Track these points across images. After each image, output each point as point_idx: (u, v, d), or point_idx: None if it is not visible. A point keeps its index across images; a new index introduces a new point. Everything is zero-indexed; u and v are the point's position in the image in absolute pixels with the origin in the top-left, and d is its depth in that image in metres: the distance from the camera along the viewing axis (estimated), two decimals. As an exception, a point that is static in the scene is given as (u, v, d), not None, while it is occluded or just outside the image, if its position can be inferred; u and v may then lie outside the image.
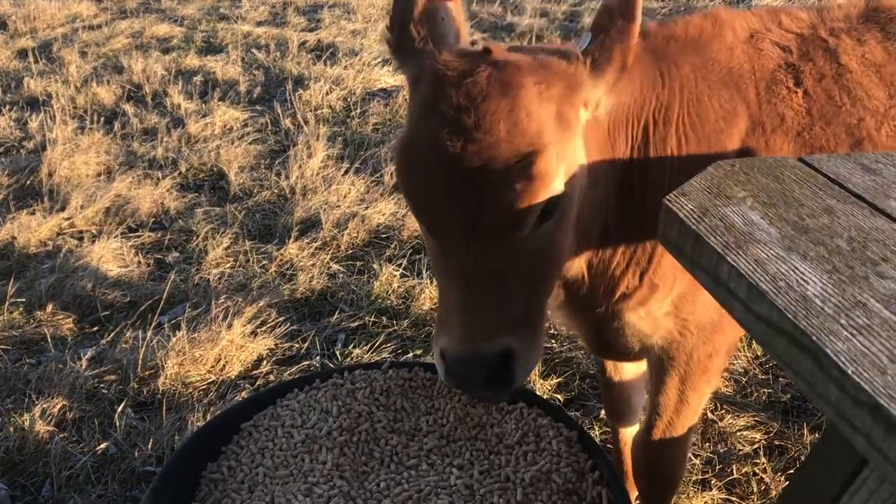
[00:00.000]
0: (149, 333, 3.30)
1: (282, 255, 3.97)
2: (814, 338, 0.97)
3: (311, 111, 5.60)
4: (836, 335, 0.96)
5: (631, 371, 2.41)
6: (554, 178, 1.39)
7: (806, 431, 2.85)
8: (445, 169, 1.37)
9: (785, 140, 1.81)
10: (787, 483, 2.62)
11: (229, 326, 3.29)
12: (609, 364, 2.39)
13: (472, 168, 1.35)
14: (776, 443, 2.83)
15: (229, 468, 1.43)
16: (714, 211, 1.28)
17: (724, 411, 2.97)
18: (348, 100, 5.90)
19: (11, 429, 2.89)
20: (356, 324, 3.49)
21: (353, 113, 5.68)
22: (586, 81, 1.48)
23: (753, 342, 3.29)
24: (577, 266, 1.79)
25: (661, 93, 1.76)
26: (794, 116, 1.83)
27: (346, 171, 4.75)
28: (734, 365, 3.20)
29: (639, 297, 1.83)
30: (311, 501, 1.33)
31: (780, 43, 1.87)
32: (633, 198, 1.77)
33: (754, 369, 3.18)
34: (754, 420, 2.92)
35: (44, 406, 2.98)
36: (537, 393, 1.61)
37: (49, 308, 3.64)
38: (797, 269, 1.11)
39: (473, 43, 1.57)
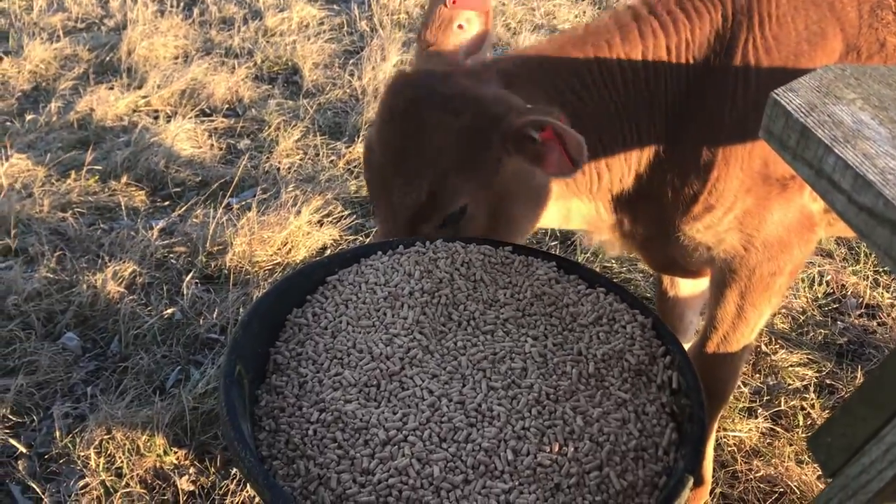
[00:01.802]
0: (219, 212, 3.39)
1: (350, 152, 4.01)
2: (921, 226, 0.97)
3: (387, 15, 5.56)
4: (945, 224, 0.96)
5: (688, 288, 2.42)
6: (449, 201, 1.63)
7: (859, 374, 2.84)
8: (377, 165, 1.70)
9: None
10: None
11: (297, 213, 3.36)
12: (665, 278, 2.41)
13: (388, 171, 1.66)
14: (827, 382, 2.83)
15: (314, 314, 1.49)
16: (822, 108, 1.27)
17: (777, 345, 2.97)
18: (426, 6, 5.84)
19: (84, 286, 3.01)
20: (419, 225, 3.53)
21: (429, 21, 5.62)
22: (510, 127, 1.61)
23: (814, 284, 3.27)
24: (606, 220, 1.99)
25: (721, 28, 1.77)
26: None
27: (419, 78, 4.74)
28: (792, 303, 3.18)
29: (693, 213, 1.86)
30: (392, 350, 1.39)
31: None
32: (685, 128, 1.80)
33: (813, 310, 3.17)
34: (807, 358, 2.92)
35: (115, 268, 3.09)
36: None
37: (123, 179, 3.75)
38: (906, 166, 1.11)
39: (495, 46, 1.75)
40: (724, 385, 2.11)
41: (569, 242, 3.46)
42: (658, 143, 1.84)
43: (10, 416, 2.49)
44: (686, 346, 2.37)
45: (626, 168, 1.86)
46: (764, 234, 1.85)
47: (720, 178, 1.79)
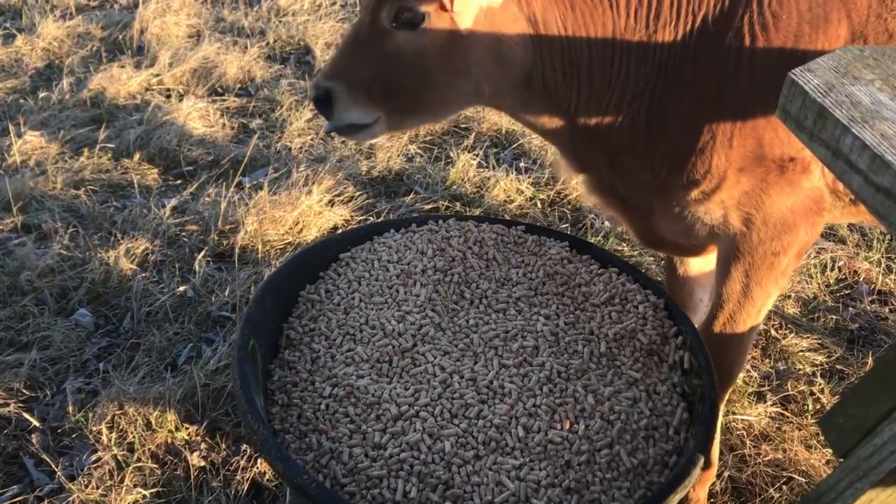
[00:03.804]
0: (230, 191, 3.40)
1: (362, 133, 4.00)
2: (939, 206, 0.97)
3: (400, -4, 5.54)
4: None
5: (696, 266, 2.41)
6: None
7: (870, 360, 2.83)
8: None
9: None
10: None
11: (308, 193, 3.36)
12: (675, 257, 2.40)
13: None
14: (837, 367, 2.83)
15: (326, 291, 1.50)
16: (840, 88, 1.26)
17: (787, 330, 2.96)
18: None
19: (97, 263, 3.02)
20: (430, 206, 3.53)
21: (442, 3, 5.60)
22: None
23: (826, 270, 3.25)
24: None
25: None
26: None
27: (431, 59, 4.73)
28: (804, 290, 3.17)
29: (680, 184, 1.85)
30: (404, 327, 1.39)
31: None
32: (677, 94, 1.77)
33: (824, 296, 3.16)
34: (818, 343, 2.91)
35: (128, 246, 3.10)
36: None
37: (136, 157, 3.76)
38: (925, 146, 1.10)
39: None
40: (731, 365, 2.11)
41: (580, 226, 3.45)
42: (644, 96, 1.82)
43: (24, 391, 2.51)
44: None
45: (602, 100, 1.84)
46: (764, 213, 1.84)
47: (706, 151, 1.77)
